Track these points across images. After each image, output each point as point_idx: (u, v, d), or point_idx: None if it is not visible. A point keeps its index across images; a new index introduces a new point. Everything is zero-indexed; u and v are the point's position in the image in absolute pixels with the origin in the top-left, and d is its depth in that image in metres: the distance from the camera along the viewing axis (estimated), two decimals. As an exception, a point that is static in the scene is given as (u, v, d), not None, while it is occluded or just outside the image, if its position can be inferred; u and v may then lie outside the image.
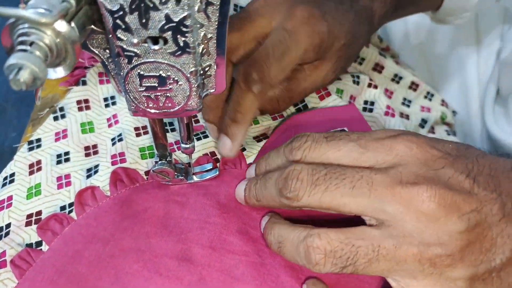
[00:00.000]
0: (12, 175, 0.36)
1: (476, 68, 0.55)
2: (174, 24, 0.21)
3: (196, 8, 0.22)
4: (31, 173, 0.36)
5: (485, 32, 0.54)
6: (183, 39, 0.22)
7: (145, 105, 0.25)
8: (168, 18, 0.21)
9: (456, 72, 0.57)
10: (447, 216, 0.22)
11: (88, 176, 0.35)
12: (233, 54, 0.34)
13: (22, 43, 0.19)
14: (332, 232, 0.24)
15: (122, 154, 0.35)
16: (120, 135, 0.37)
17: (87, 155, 0.37)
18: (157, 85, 0.24)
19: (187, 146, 0.31)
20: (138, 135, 0.37)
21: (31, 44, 0.19)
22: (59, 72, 0.21)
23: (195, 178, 0.33)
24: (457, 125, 0.57)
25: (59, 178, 0.35)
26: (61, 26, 0.19)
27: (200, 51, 0.24)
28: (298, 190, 0.25)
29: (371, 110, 0.41)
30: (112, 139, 0.37)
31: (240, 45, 0.33)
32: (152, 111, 0.25)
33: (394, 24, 0.58)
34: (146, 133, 0.37)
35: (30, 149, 0.37)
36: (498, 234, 0.23)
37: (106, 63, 0.24)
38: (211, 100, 0.34)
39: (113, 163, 0.35)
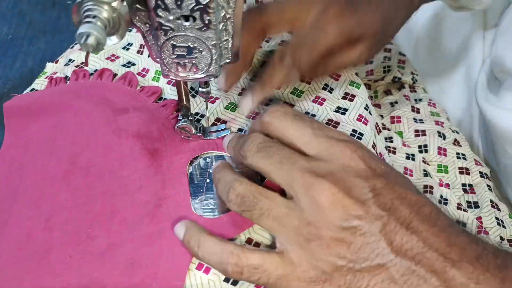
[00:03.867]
0: None
1: (481, 63, 0.56)
2: (202, 6, 0.27)
3: (219, -7, 0.28)
4: None
5: (490, 23, 0.55)
6: (208, 18, 0.28)
7: (175, 69, 0.31)
8: (197, 1, 0.27)
9: (463, 68, 0.58)
10: (331, 211, 0.27)
11: None
12: (269, 30, 0.38)
13: (87, 16, 0.25)
14: (249, 184, 0.30)
15: None
16: None
17: None
18: (186, 53, 0.30)
19: (203, 90, 0.36)
20: None
21: (94, 17, 0.25)
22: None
23: (210, 136, 0.39)
24: (463, 122, 0.57)
25: None
26: (117, 4, 0.26)
27: (221, 28, 0.30)
28: (247, 152, 0.31)
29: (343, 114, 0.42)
30: None
31: (276, 25, 0.38)
32: (181, 74, 0.31)
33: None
34: None
35: None
36: (370, 243, 0.26)
37: (145, 35, 0.31)
38: (233, 68, 0.39)
39: None
